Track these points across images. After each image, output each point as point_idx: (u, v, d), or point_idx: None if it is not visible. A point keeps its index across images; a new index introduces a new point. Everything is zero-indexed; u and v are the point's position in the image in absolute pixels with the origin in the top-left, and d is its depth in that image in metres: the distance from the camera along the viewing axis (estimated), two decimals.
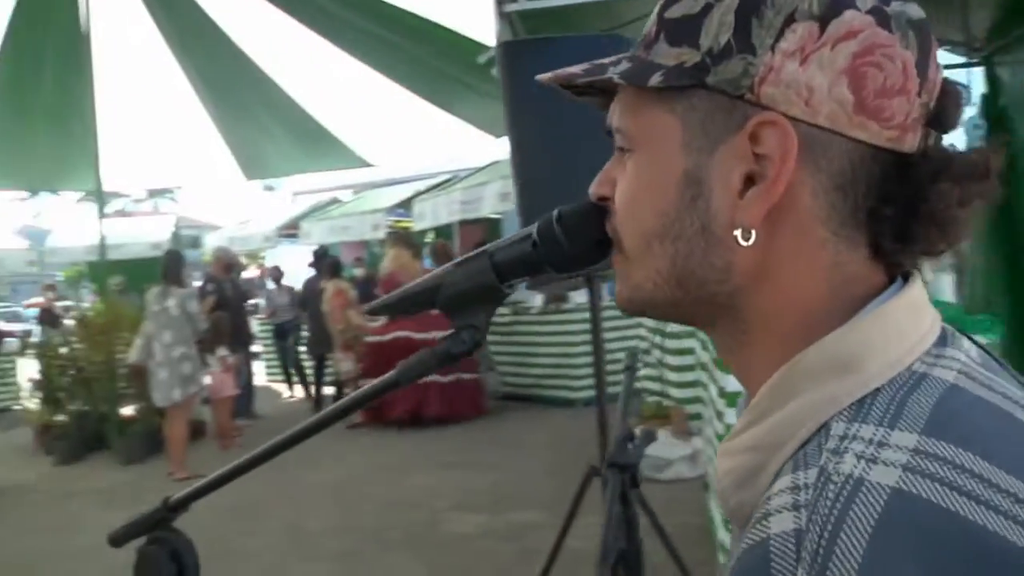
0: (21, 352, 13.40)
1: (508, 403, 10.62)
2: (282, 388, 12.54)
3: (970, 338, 0.74)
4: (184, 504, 1.15)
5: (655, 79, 0.71)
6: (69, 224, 18.45)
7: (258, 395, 11.43)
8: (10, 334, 15.96)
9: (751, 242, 0.69)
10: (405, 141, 12.29)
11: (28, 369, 11.76)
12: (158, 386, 8.32)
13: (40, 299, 14.88)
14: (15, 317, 22.69)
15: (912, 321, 0.68)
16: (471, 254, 0.93)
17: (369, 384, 1.04)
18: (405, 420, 9.68)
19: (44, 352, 10.70)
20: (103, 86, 10.64)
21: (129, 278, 12.67)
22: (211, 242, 16.53)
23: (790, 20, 0.66)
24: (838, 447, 0.61)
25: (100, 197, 10.85)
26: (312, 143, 12.06)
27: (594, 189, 0.84)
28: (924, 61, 0.68)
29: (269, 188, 32.59)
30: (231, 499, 7.13)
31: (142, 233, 16.41)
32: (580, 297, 9.71)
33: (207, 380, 8.98)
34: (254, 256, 22.24)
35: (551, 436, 8.69)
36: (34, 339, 13.91)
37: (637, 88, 0.74)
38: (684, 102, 0.71)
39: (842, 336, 0.67)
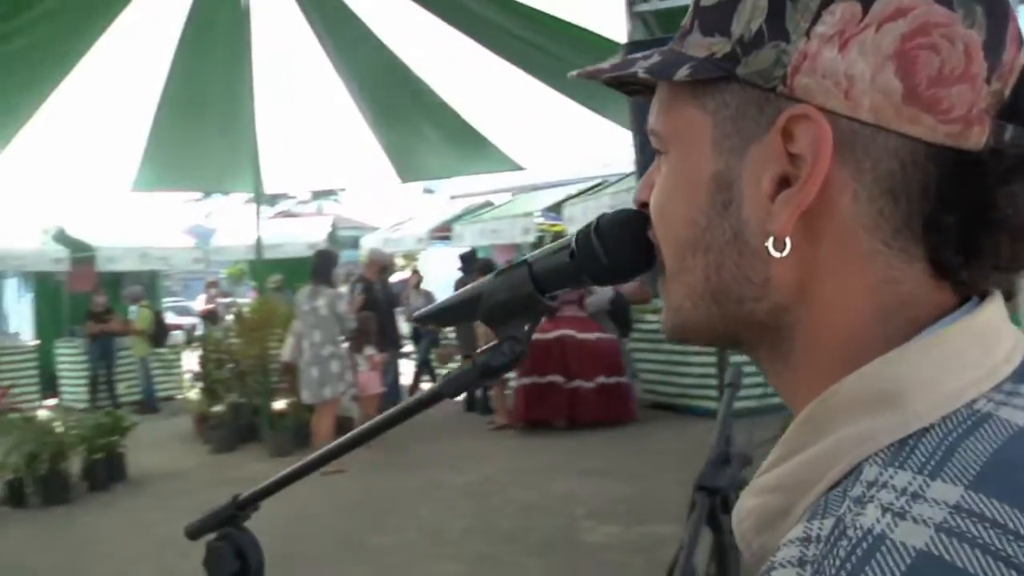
0: (187, 345, 14.03)
1: (654, 412, 10.45)
2: (428, 387, 12.72)
3: None
4: (252, 502, 1.21)
5: (682, 72, 0.63)
6: (233, 224, 19.22)
7: (404, 394, 11.62)
8: (178, 327, 16.78)
9: (785, 252, 0.60)
10: (557, 144, 12.25)
11: (192, 361, 12.30)
12: (308, 384, 8.55)
13: (206, 299, 15.60)
14: (185, 311, 23.82)
15: (979, 350, 0.57)
16: (512, 264, 0.88)
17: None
18: (560, 422, 9.75)
19: (204, 345, 11.18)
20: (263, 90, 11.05)
21: (287, 276, 13.12)
22: (367, 243, 16.91)
23: (828, 0, 0.57)
24: (863, 495, 0.52)
25: (258, 198, 11.23)
26: (464, 146, 12.15)
27: (636, 195, 0.76)
28: (996, 41, 0.57)
29: (428, 191, 33.26)
30: (367, 496, 7.30)
31: (301, 233, 16.95)
32: None
33: (355, 378, 9.17)
34: (411, 257, 22.70)
35: (695, 447, 8.45)
36: (199, 333, 14.56)
37: (671, 84, 0.66)
38: (716, 97, 0.63)
39: (886, 364, 0.57)
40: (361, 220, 34.25)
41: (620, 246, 0.79)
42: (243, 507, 1.20)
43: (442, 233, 17.06)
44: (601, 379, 9.72)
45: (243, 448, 9.88)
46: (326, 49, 10.74)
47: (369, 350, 9.37)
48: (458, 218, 17.11)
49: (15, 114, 10.28)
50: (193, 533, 1.25)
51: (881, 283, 0.59)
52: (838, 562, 0.49)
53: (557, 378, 9.71)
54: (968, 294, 0.61)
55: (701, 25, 0.63)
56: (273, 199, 42.22)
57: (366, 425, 1.13)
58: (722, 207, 0.63)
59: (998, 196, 0.57)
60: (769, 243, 0.60)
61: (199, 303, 15.97)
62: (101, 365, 13.66)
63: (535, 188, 17.33)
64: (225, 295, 18.20)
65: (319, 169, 14.00)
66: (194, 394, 10.96)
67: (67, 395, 14.11)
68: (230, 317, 12.00)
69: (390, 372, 10.70)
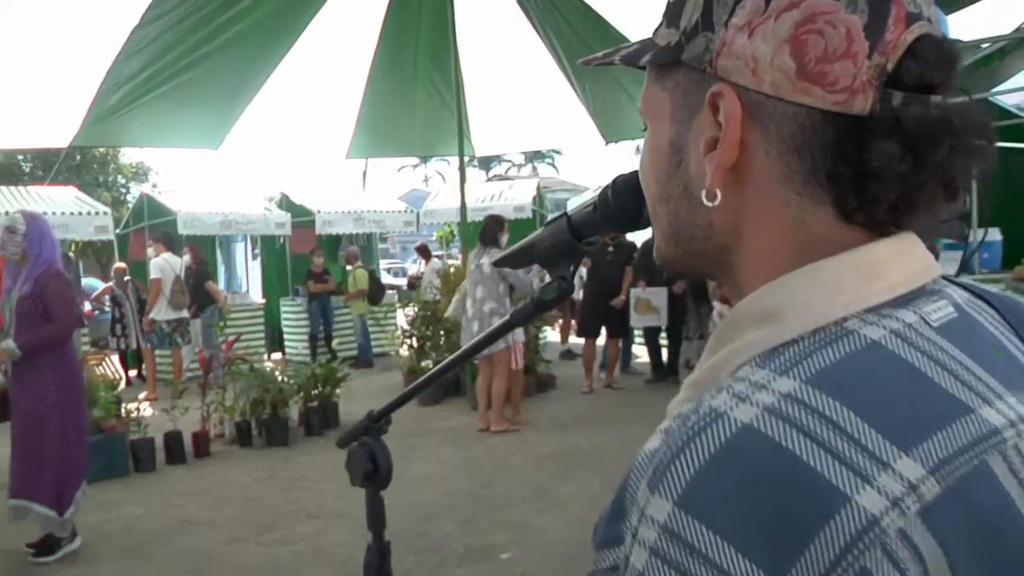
0: (403, 304, 14.62)
1: None
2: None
3: (989, 301, 0.73)
4: (384, 415, 1.47)
5: (644, 59, 0.77)
6: (446, 188, 19.80)
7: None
8: (394, 288, 17.54)
9: (715, 203, 0.71)
10: None
11: (403, 319, 12.86)
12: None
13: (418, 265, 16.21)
14: (402, 273, 24.84)
15: (857, 279, 0.67)
16: (555, 216, 1.11)
17: None
18: None
19: (414, 304, 11.68)
20: (470, 57, 11.39)
21: None
22: (572, 204, 17.05)
23: None
24: (725, 386, 0.62)
25: (462, 161, 11.49)
26: None
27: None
28: (877, 24, 0.65)
29: (639, 150, 33.20)
30: (559, 450, 7.52)
31: (509, 195, 17.23)
32: None
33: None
34: None
35: None
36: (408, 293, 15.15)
37: (649, 69, 0.79)
38: (671, 79, 0.75)
39: (770, 289, 0.69)
40: (574, 182, 34.56)
41: (627, 201, 0.99)
42: (376, 420, 1.45)
43: None
44: None
45: (448, 401, 10.35)
46: (527, 11, 10.88)
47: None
48: None
49: (243, 91, 11.05)
50: (341, 443, 1.50)
51: (795, 224, 0.69)
52: (686, 430, 0.59)
53: None
54: (887, 235, 0.69)
55: (666, 18, 0.76)
56: (487, 163, 42.95)
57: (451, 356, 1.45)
58: (675, 166, 0.76)
59: (872, 151, 0.65)
60: (702, 194, 0.71)
61: (414, 266, 16.65)
62: (319, 322, 14.43)
63: None
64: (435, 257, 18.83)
65: (529, 131, 14.21)
66: (404, 350, 11.44)
67: (291, 350, 14.95)
68: (436, 280, 12.37)
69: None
